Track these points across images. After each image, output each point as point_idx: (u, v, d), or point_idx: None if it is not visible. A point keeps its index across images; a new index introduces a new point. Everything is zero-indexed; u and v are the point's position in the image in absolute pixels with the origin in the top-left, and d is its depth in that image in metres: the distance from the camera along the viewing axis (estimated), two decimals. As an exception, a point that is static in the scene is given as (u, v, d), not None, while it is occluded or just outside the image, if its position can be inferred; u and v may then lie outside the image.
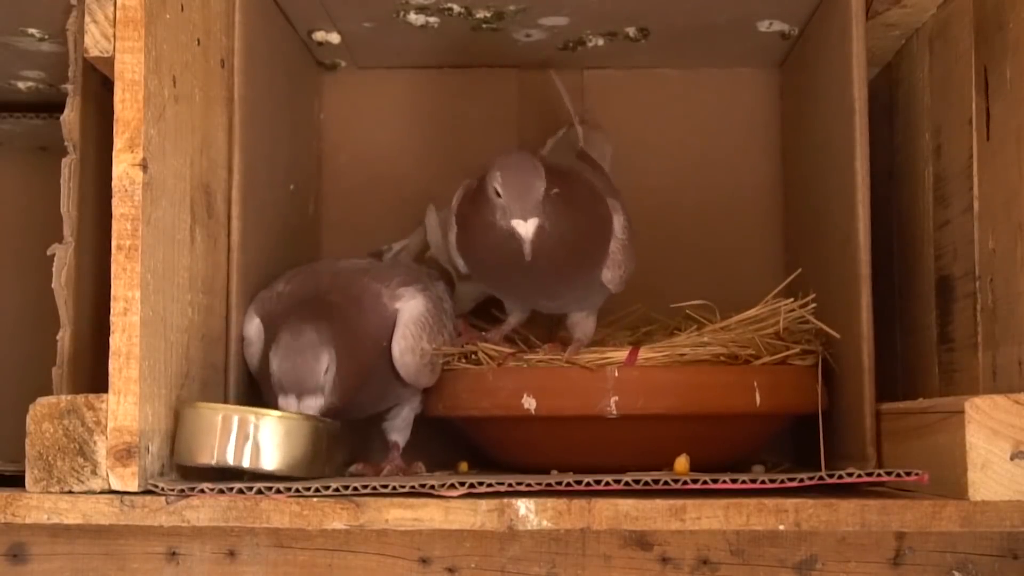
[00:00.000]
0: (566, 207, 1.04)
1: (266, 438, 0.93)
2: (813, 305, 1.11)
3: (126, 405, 0.89)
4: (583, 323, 1.13)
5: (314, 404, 0.98)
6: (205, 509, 0.88)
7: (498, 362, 1.08)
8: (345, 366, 1.00)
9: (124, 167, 0.90)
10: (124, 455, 0.88)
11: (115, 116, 0.90)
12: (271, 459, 0.93)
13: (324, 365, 0.99)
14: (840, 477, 0.89)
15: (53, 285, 0.98)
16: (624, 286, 1.11)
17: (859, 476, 0.89)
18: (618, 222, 1.09)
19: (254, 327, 1.06)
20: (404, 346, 1.06)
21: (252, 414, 0.94)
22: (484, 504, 0.87)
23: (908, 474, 0.88)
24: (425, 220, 1.26)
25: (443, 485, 0.88)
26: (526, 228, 1.01)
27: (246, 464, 0.93)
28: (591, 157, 1.20)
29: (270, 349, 1.00)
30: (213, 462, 0.92)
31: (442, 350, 1.10)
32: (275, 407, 0.97)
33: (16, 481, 0.91)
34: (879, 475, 0.89)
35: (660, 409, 1.05)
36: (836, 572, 0.95)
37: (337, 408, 1.00)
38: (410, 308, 1.07)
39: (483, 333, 1.14)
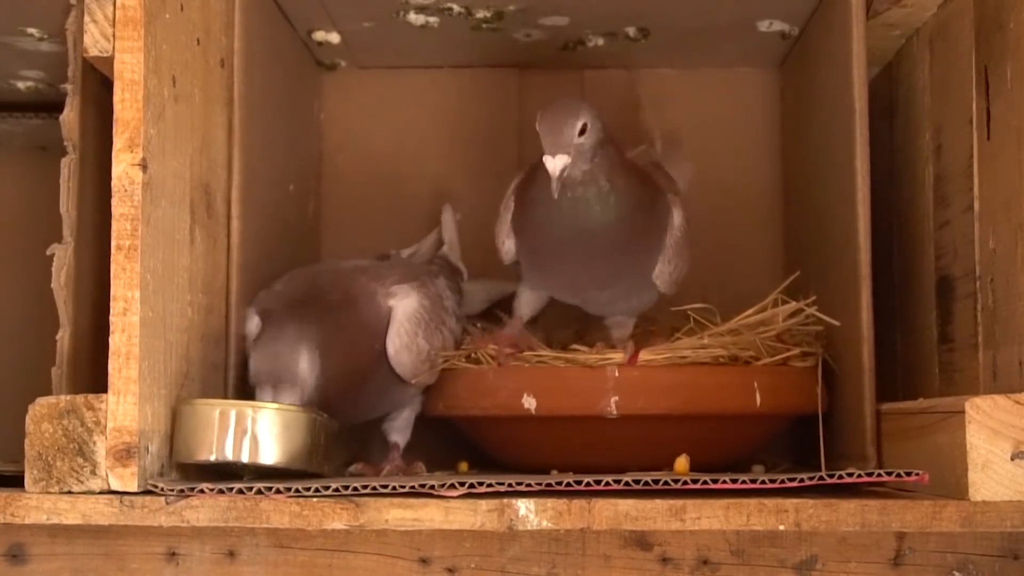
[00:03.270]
0: (622, 170, 1.04)
1: (264, 431, 0.93)
2: (814, 308, 1.11)
3: (126, 405, 0.89)
4: (623, 325, 1.13)
5: (290, 399, 0.98)
6: (205, 509, 0.87)
7: (498, 362, 1.08)
8: (337, 364, 1.00)
9: (124, 167, 0.90)
10: (123, 455, 0.88)
11: (115, 116, 0.90)
12: (270, 452, 0.93)
13: (302, 360, 0.99)
14: (840, 477, 0.89)
15: (53, 285, 0.98)
16: (675, 289, 1.11)
17: (859, 476, 0.89)
18: (677, 217, 1.10)
19: (254, 325, 1.06)
20: (399, 344, 1.06)
21: (249, 408, 0.94)
22: (484, 504, 0.87)
23: (908, 474, 0.88)
24: (441, 219, 1.26)
25: (443, 485, 0.88)
26: (554, 164, 1.00)
27: (245, 458, 0.93)
28: (664, 169, 1.19)
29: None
30: (212, 458, 0.92)
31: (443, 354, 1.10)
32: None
33: (16, 481, 0.91)
34: (879, 475, 0.89)
35: (660, 409, 1.05)
36: (836, 572, 0.95)
37: (323, 405, 1.00)
38: (404, 305, 1.07)
39: (495, 331, 1.13)
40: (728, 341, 1.08)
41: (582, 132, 1.01)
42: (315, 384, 0.99)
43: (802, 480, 0.88)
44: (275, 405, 0.95)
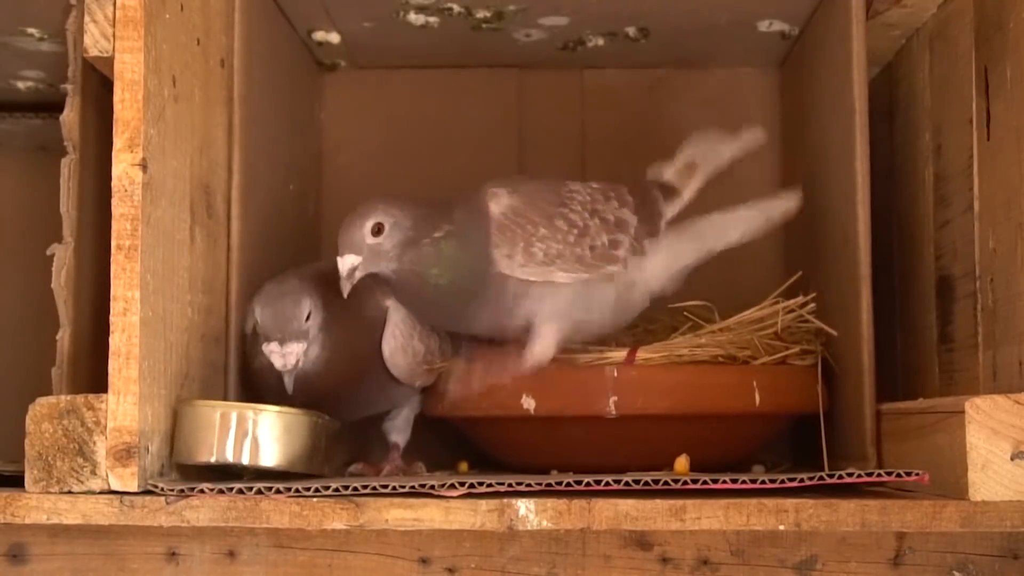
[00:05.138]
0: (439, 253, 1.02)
1: (265, 434, 0.93)
2: (813, 305, 1.11)
3: (126, 405, 0.89)
4: (545, 334, 1.05)
5: (297, 349, 0.99)
6: (205, 509, 0.87)
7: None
8: (337, 343, 1.01)
9: (124, 167, 0.90)
10: (124, 455, 0.88)
11: (115, 116, 0.90)
12: (270, 455, 0.93)
13: (306, 310, 1.00)
14: (840, 477, 0.89)
15: (53, 285, 0.98)
16: (552, 267, 1.03)
17: (859, 476, 0.89)
18: (496, 207, 1.04)
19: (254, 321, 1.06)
20: (394, 345, 1.06)
21: (251, 410, 0.94)
22: (484, 504, 0.87)
23: (909, 474, 0.88)
24: None
25: (443, 485, 0.88)
26: (342, 264, 1.01)
27: (245, 460, 0.93)
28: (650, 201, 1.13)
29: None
30: (212, 459, 0.92)
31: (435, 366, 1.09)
32: (272, 403, 0.97)
33: (16, 481, 0.91)
34: (879, 475, 0.89)
35: (659, 409, 1.05)
36: (836, 572, 0.95)
37: (323, 393, 1.00)
38: (400, 305, 1.06)
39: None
40: (725, 340, 1.08)
41: (377, 232, 1.01)
42: (318, 338, 1.00)
43: (802, 480, 0.88)
44: (276, 408, 0.95)
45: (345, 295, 1.00)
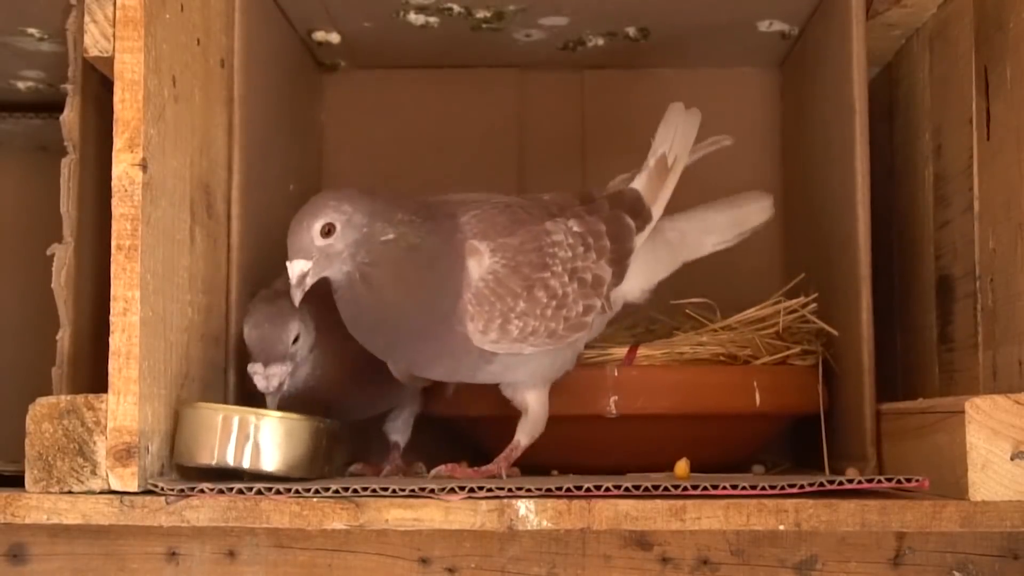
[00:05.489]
0: (395, 258, 0.94)
1: (266, 439, 0.93)
2: (814, 305, 1.11)
3: (126, 405, 0.89)
4: (519, 390, 1.02)
5: (280, 371, 0.98)
6: (205, 509, 0.87)
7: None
8: (335, 347, 1.01)
9: (124, 167, 0.90)
10: (124, 455, 0.88)
11: (115, 116, 0.90)
12: (271, 460, 0.93)
13: (293, 333, 0.99)
14: (840, 483, 0.89)
15: (53, 285, 0.98)
16: (523, 340, 0.97)
17: (859, 482, 0.89)
18: (476, 268, 0.97)
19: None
20: None
21: (253, 414, 0.94)
22: (484, 504, 0.87)
23: (909, 480, 0.88)
24: None
25: (443, 489, 0.88)
26: (291, 269, 0.94)
27: (246, 465, 0.93)
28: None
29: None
30: (213, 462, 0.92)
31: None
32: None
33: (16, 481, 0.91)
34: (879, 481, 0.89)
35: (660, 409, 1.05)
36: (836, 572, 0.95)
37: (322, 394, 1.00)
38: None
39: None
40: (726, 339, 1.08)
41: (327, 233, 0.93)
42: (308, 360, 1.00)
43: (802, 487, 0.88)
44: (279, 413, 0.95)
45: (296, 304, 0.94)
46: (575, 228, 1.01)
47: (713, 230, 1.10)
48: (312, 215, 0.94)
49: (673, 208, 1.08)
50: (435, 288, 0.96)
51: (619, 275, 1.03)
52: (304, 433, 0.95)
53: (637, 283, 1.05)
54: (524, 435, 1.01)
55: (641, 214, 1.05)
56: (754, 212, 1.12)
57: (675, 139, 1.07)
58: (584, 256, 1.01)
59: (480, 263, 0.97)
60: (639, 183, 1.06)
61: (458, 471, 0.99)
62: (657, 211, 1.06)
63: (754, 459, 1.16)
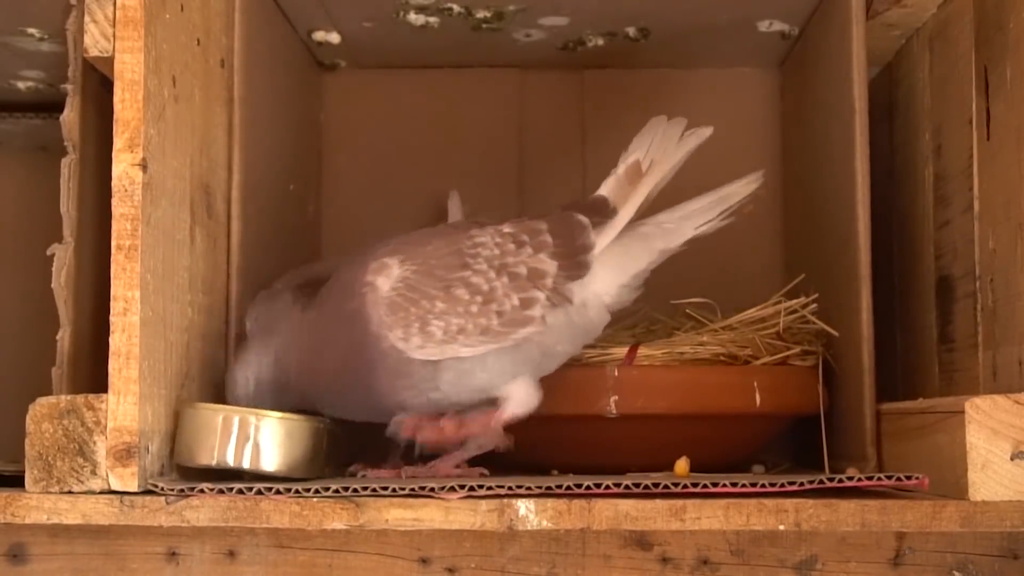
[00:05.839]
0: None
1: (267, 439, 0.93)
2: (814, 306, 1.11)
3: (126, 405, 0.89)
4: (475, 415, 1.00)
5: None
6: (205, 509, 0.87)
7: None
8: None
9: (124, 167, 0.90)
10: (124, 455, 0.88)
11: (115, 116, 0.90)
12: (271, 460, 0.93)
13: (239, 387, 1.00)
14: (840, 481, 0.89)
15: (53, 285, 0.98)
16: (452, 344, 0.96)
17: (859, 480, 0.89)
18: (385, 282, 0.97)
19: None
20: None
21: (253, 415, 0.94)
22: (484, 504, 0.87)
23: (909, 478, 0.88)
24: (448, 206, 1.26)
25: (443, 488, 0.88)
26: None
27: (246, 465, 0.93)
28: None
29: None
30: (213, 463, 0.92)
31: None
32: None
33: (16, 481, 0.91)
34: (879, 479, 0.89)
35: (660, 409, 1.05)
36: (836, 572, 0.95)
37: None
38: None
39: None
40: (727, 339, 1.08)
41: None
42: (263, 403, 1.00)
43: (802, 484, 0.88)
44: (279, 413, 0.95)
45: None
46: (506, 230, 1.00)
47: (692, 215, 1.06)
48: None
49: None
50: (341, 325, 0.97)
51: (572, 268, 0.99)
52: (304, 433, 0.95)
53: (609, 279, 1.02)
54: (509, 407, 0.99)
55: (602, 212, 1.02)
56: (739, 187, 1.08)
57: (652, 145, 1.06)
58: (516, 252, 0.99)
59: (389, 276, 0.97)
60: (605, 188, 1.04)
61: (420, 471, 0.99)
62: (627, 211, 1.02)
63: (754, 459, 1.16)
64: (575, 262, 1.00)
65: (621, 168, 1.05)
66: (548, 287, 0.98)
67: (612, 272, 1.02)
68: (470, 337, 0.96)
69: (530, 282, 0.98)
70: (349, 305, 0.97)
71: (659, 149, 1.06)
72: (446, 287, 0.97)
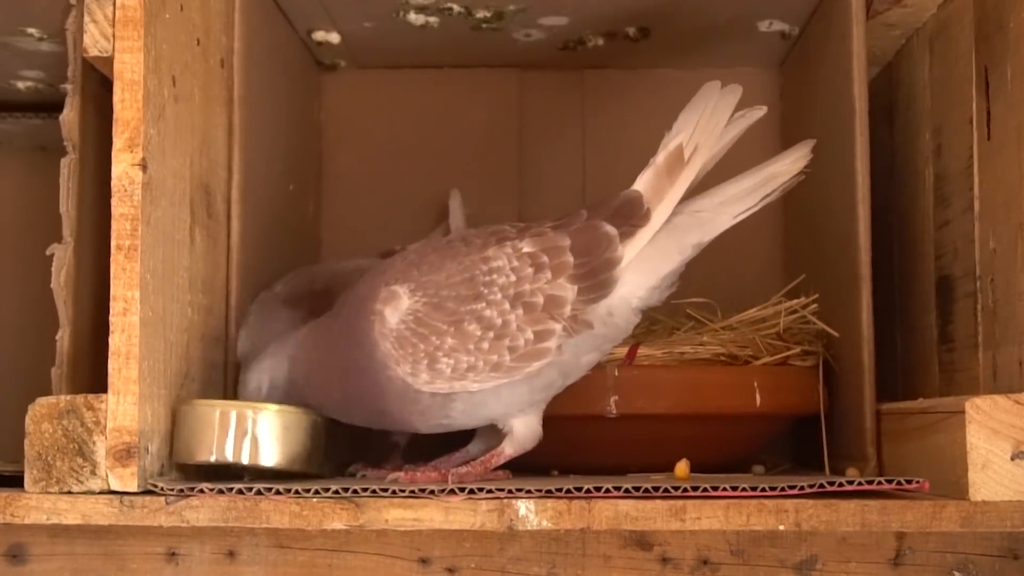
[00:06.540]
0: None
1: (264, 433, 0.93)
2: (814, 306, 1.11)
3: (125, 405, 0.89)
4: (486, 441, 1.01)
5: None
6: (205, 509, 0.87)
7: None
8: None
9: (123, 167, 0.90)
10: (123, 455, 0.88)
11: (114, 116, 0.90)
12: (270, 454, 0.93)
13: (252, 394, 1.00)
14: (840, 485, 0.89)
15: (53, 285, 0.98)
16: (462, 379, 0.94)
17: (859, 484, 0.89)
18: (393, 315, 0.94)
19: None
20: None
21: (250, 409, 0.94)
22: (484, 504, 0.87)
23: (909, 482, 0.87)
24: (449, 206, 1.26)
25: (443, 490, 0.88)
26: None
27: (245, 460, 0.93)
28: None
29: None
30: (212, 459, 0.92)
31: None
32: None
33: (16, 481, 0.91)
34: (879, 483, 0.89)
35: (660, 409, 1.05)
36: (836, 572, 0.95)
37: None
38: None
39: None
40: (727, 339, 1.08)
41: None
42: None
43: (802, 488, 0.88)
44: (276, 407, 0.95)
45: None
46: (525, 249, 0.94)
47: (732, 200, 0.97)
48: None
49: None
50: (351, 347, 0.95)
51: (594, 290, 0.94)
52: (301, 426, 0.95)
53: (638, 282, 0.96)
54: (510, 446, 0.98)
55: (633, 218, 0.95)
56: (786, 165, 0.98)
57: (699, 125, 0.96)
58: (534, 278, 0.93)
59: (397, 308, 0.94)
60: (641, 182, 0.95)
61: (418, 475, 0.98)
62: (661, 213, 0.95)
63: (754, 459, 1.16)
64: (598, 282, 0.94)
65: (661, 157, 0.95)
66: (566, 316, 0.93)
67: (641, 276, 0.96)
68: (480, 374, 0.93)
69: (546, 312, 0.93)
70: (359, 327, 0.95)
71: (705, 131, 0.96)
72: (457, 321, 0.93)
